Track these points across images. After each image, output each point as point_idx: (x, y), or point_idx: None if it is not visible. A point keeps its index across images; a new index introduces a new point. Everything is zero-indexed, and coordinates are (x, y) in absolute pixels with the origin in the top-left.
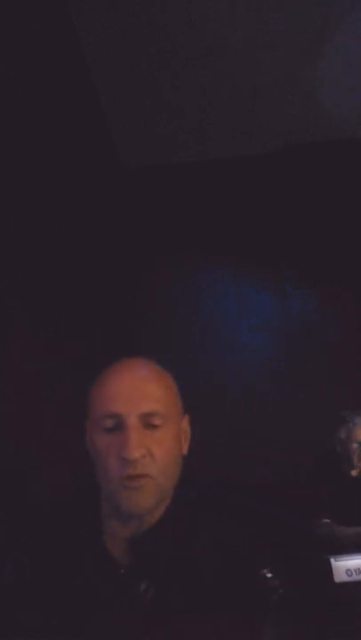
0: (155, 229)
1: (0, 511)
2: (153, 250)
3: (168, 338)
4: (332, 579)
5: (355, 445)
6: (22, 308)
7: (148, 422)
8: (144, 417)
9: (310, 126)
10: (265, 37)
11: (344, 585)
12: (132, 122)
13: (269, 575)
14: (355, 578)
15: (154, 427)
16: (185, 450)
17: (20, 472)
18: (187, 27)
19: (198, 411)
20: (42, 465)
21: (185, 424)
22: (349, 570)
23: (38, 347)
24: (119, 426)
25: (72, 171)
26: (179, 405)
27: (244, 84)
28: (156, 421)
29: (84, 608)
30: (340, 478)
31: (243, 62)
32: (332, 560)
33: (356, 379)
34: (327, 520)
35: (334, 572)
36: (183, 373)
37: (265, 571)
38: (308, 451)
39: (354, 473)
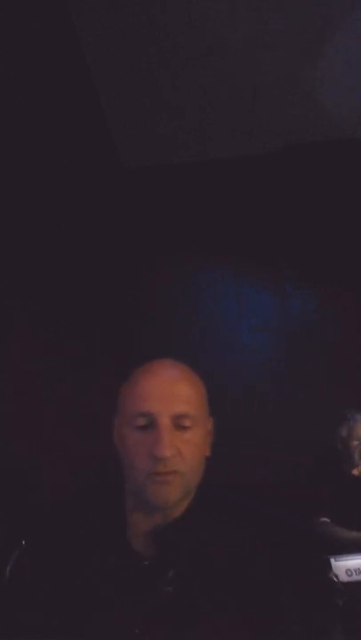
0: (155, 229)
1: (0, 511)
2: (153, 250)
3: (168, 338)
4: (333, 579)
5: (355, 443)
6: (22, 308)
7: (178, 423)
8: (175, 418)
9: (310, 126)
10: (265, 37)
11: (344, 585)
12: (132, 122)
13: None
14: (355, 578)
15: (184, 428)
16: (208, 451)
17: (20, 472)
18: (187, 27)
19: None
20: (42, 465)
21: (210, 426)
22: (349, 570)
23: (38, 347)
24: (151, 425)
25: (72, 171)
26: (206, 408)
27: (244, 84)
28: (186, 423)
29: (106, 600)
30: (341, 478)
31: (243, 62)
32: (332, 560)
33: (356, 379)
34: (327, 520)
35: (334, 571)
36: None
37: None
38: (308, 451)
39: (355, 472)
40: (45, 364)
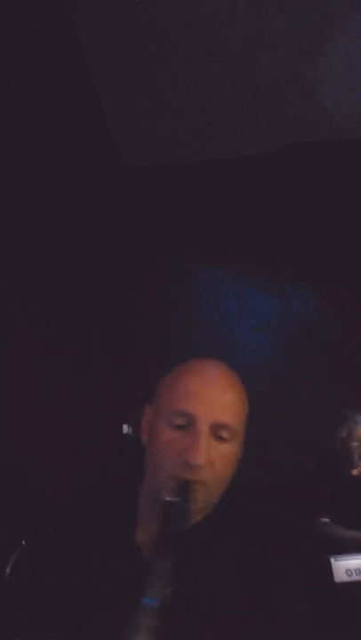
0: (155, 229)
1: (0, 511)
2: (153, 250)
3: (168, 338)
4: (333, 579)
5: (355, 444)
6: (22, 308)
7: (216, 433)
8: (215, 426)
9: (310, 126)
10: (265, 37)
11: (344, 585)
12: (132, 122)
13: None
14: (355, 578)
15: (221, 439)
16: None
17: (20, 472)
18: (187, 27)
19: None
20: (42, 465)
21: (242, 440)
22: (349, 570)
23: (38, 347)
24: (189, 426)
25: (72, 171)
26: (245, 421)
27: (244, 84)
28: (225, 434)
29: (106, 600)
30: (341, 478)
31: (243, 62)
32: (333, 560)
33: (356, 379)
34: (327, 520)
35: (334, 572)
36: None
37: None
38: (308, 451)
39: (355, 472)
40: (45, 363)
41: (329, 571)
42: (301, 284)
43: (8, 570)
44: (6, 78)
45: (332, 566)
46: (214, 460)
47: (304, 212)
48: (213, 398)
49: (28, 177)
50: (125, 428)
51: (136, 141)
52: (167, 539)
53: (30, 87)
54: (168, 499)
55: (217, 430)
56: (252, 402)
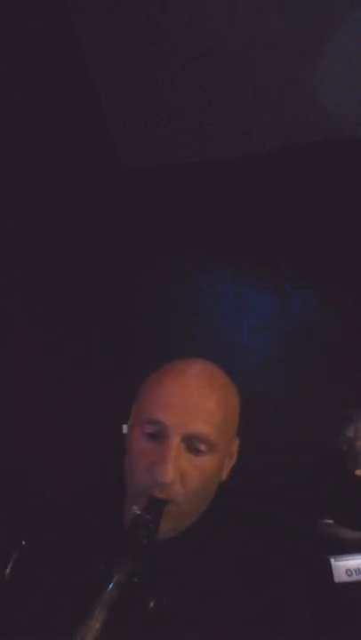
0: (155, 229)
1: (0, 511)
2: (153, 250)
3: (168, 338)
4: (333, 579)
5: None
6: (22, 308)
7: (192, 445)
8: (190, 438)
9: (310, 126)
10: (265, 37)
11: (344, 585)
12: (132, 122)
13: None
14: (355, 578)
15: (197, 451)
16: (225, 476)
17: (20, 472)
18: (187, 27)
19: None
20: (42, 465)
21: (235, 447)
22: (349, 570)
23: (38, 347)
24: (160, 436)
25: (72, 171)
26: (234, 428)
27: (244, 84)
28: (202, 447)
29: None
30: (343, 478)
31: (243, 62)
32: (332, 560)
33: (356, 379)
34: (329, 521)
35: (334, 572)
36: None
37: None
38: (308, 451)
39: (359, 472)
40: (45, 363)
41: (329, 571)
42: (301, 284)
43: (8, 570)
44: (6, 78)
45: (332, 566)
46: (187, 476)
47: (304, 212)
48: (188, 406)
49: (27, 177)
50: (125, 428)
51: (136, 141)
52: (134, 550)
53: (30, 87)
54: (136, 512)
55: (192, 442)
56: (253, 402)
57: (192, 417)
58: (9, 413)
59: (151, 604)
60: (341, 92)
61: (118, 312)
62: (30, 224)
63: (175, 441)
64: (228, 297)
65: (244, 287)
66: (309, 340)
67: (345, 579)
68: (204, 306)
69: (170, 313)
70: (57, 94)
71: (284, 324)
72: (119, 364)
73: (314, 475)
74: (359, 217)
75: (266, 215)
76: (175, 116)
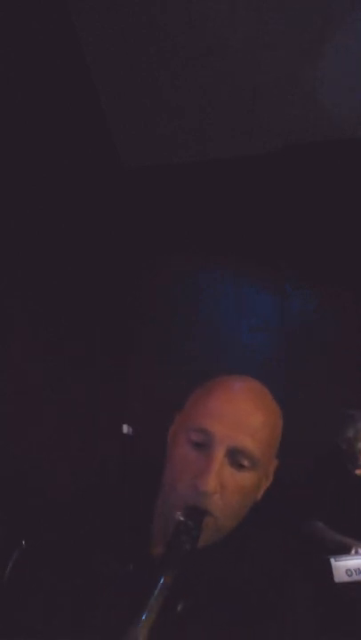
0: (155, 229)
1: (0, 511)
2: (153, 250)
3: (168, 338)
4: (333, 579)
5: None
6: (22, 308)
7: (235, 459)
8: (234, 452)
9: (310, 126)
10: (265, 37)
11: (344, 585)
12: (132, 122)
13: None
14: (355, 578)
15: (240, 466)
16: (260, 495)
17: (20, 472)
18: (187, 27)
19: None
20: (42, 465)
21: (272, 468)
22: (349, 570)
23: (38, 347)
24: (205, 446)
25: (72, 171)
26: (275, 449)
27: (244, 84)
28: (245, 462)
29: (106, 601)
30: (342, 478)
31: (243, 62)
32: (332, 560)
33: (356, 379)
34: (318, 522)
35: (334, 572)
36: (183, 373)
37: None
38: (309, 451)
39: (359, 472)
40: (45, 363)
41: (329, 571)
42: (301, 284)
43: (8, 570)
44: (6, 78)
45: (332, 566)
46: (227, 490)
47: (304, 212)
48: (239, 420)
49: (28, 177)
50: (125, 428)
51: (136, 141)
52: (174, 557)
53: (30, 87)
54: (180, 518)
55: (235, 456)
56: None
57: (239, 430)
58: (9, 413)
59: (179, 608)
60: (341, 91)
61: (118, 312)
62: (30, 224)
63: (220, 452)
64: (228, 297)
65: (244, 287)
66: (309, 340)
67: (345, 579)
68: (204, 306)
69: (170, 313)
70: (57, 94)
71: (284, 324)
72: (119, 364)
73: (314, 475)
74: (359, 217)
75: (266, 215)
76: (175, 116)
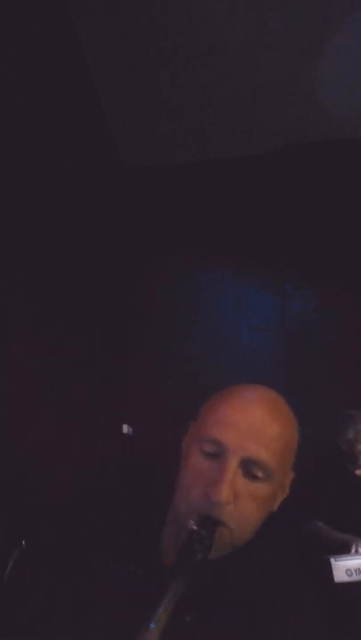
0: (155, 229)
1: (0, 511)
2: (153, 250)
3: (168, 338)
4: (333, 579)
5: None
6: (22, 308)
7: (249, 470)
8: (247, 462)
9: (310, 126)
10: (265, 37)
11: (344, 585)
12: (132, 122)
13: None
14: (355, 578)
15: (253, 477)
16: (276, 506)
17: (20, 472)
18: (187, 27)
19: (198, 411)
20: (42, 465)
21: (288, 480)
22: (349, 570)
23: (38, 347)
24: (218, 457)
25: (72, 171)
26: (291, 460)
27: (244, 84)
28: (259, 473)
29: (106, 601)
30: (342, 478)
31: (243, 62)
32: (332, 560)
33: (356, 379)
34: (318, 522)
35: (334, 572)
36: (183, 373)
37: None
38: (309, 451)
39: (359, 472)
40: (45, 363)
41: (329, 571)
42: (301, 284)
43: (8, 570)
44: (6, 78)
45: (332, 566)
46: (241, 501)
47: (304, 212)
48: (250, 430)
49: (28, 177)
50: (125, 428)
51: (136, 141)
52: (185, 565)
53: (30, 87)
54: (193, 527)
55: (249, 467)
56: None
57: (253, 441)
58: (9, 413)
59: (187, 619)
60: (341, 91)
61: (118, 312)
62: (30, 224)
63: (233, 463)
64: (228, 297)
65: (244, 287)
66: (309, 340)
67: (345, 579)
68: (204, 306)
69: (170, 313)
70: (57, 94)
71: (284, 324)
72: (119, 364)
73: (314, 475)
74: (359, 217)
75: (266, 215)
76: (175, 115)
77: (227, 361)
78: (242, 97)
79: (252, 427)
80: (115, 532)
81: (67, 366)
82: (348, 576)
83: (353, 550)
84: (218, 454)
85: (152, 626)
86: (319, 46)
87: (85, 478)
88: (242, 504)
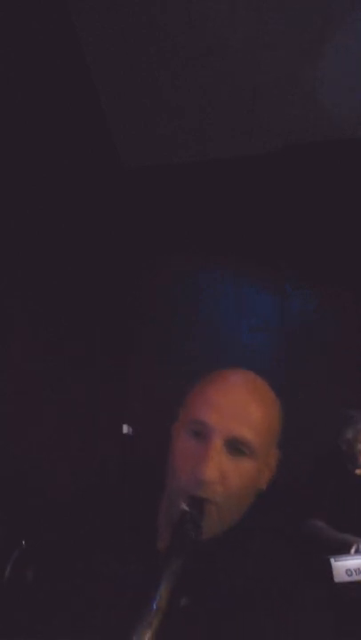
0: (155, 229)
1: (0, 511)
2: (153, 250)
3: (168, 338)
4: (333, 579)
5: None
6: (22, 308)
7: (234, 447)
8: (232, 441)
9: (310, 126)
10: (265, 37)
11: (344, 585)
12: (132, 122)
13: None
14: (355, 578)
15: (239, 452)
16: (264, 485)
17: (20, 472)
18: (187, 27)
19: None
20: (42, 465)
21: (273, 459)
22: (349, 570)
23: (38, 347)
24: (204, 437)
25: (72, 171)
26: (275, 438)
27: (244, 84)
28: (244, 449)
29: (106, 601)
30: (342, 478)
31: (243, 62)
32: (332, 560)
33: (356, 379)
34: (318, 522)
35: (334, 572)
36: (183, 373)
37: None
38: (309, 451)
39: (358, 472)
40: (45, 363)
41: (329, 571)
42: (301, 284)
43: (8, 570)
44: (6, 78)
45: (332, 566)
46: (228, 478)
47: (304, 212)
48: (235, 409)
49: (28, 177)
50: (125, 428)
51: (136, 141)
52: (179, 544)
53: (30, 87)
54: (184, 508)
55: (234, 444)
56: None
57: (235, 420)
58: (9, 413)
59: (182, 602)
60: (341, 91)
61: (118, 312)
62: (30, 224)
63: (218, 442)
64: (228, 297)
65: (244, 287)
66: (309, 340)
67: (345, 579)
68: (204, 306)
69: (170, 313)
70: (57, 94)
71: (284, 324)
72: (119, 364)
73: (314, 475)
74: (359, 217)
75: (266, 215)
76: (175, 115)
77: (227, 361)
78: (242, 97)
79: (235, 407)
80: (115, 532)
81: (67, 366)
82: (348, 576)
83: (353, 550)
84: (203, 435)
85: (154, 607)
86: (319, 46)
87: (85, 478)
88: (229, 481)
